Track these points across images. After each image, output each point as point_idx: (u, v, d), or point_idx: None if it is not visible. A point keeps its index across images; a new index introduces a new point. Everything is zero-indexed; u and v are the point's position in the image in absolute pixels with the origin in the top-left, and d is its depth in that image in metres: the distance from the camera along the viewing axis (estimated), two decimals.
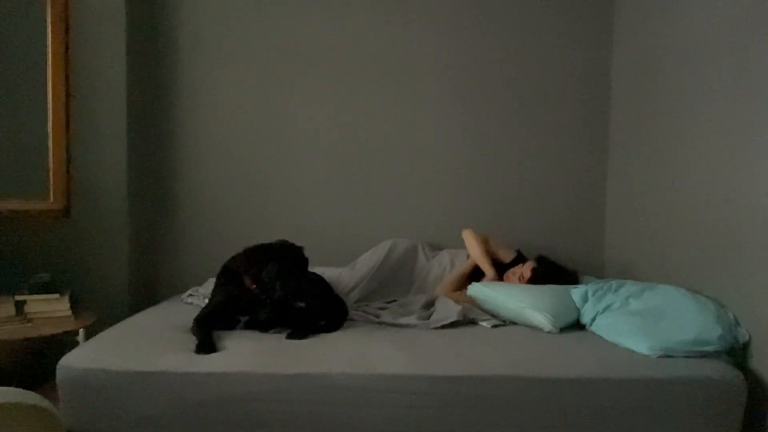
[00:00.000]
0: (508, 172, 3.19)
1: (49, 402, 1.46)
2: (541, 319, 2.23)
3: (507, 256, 2.86)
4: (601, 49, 3.15)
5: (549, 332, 2.23)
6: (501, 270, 2.79)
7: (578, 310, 2.33)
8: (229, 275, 2.31)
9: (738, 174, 2.10)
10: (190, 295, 2.70)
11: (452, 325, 2.30)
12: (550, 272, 2.65)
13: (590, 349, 2.06)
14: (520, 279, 2.67)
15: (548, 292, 2.38)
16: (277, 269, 2.17)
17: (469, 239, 2.84)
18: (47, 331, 2.27)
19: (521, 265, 2.76)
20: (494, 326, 2.32)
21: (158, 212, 3.14)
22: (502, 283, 2.66)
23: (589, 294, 2.34)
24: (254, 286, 2.23)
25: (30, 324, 2.33)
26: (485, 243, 2.84)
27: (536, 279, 2.61)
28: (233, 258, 2.35)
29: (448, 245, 3.05)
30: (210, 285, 2.78)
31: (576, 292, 2.37)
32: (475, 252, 2.80)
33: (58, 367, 1.80)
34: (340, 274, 2.79)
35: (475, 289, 2.53)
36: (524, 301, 2.31)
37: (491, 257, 2.82)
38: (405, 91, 3.16)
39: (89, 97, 2.82)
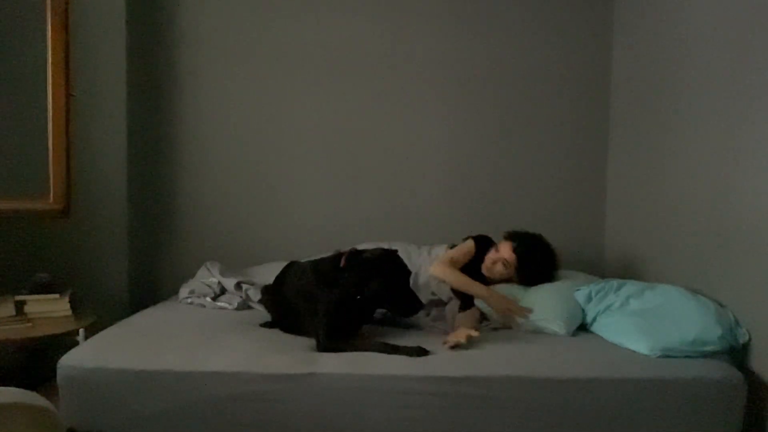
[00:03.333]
0: (507, 171, 3.19)
1: (49, 402, 1.46)
2: (556, 329, 2.22)
3: (470, 251, 2.53)
4: (601, 49, 3.15)
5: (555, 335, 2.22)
6: (476, 267, 2.52)
7: (583, 311, 2.33)
8: (324, 281, 2.17)
9: (738, 173, 2.10)
10: (190, 294, 2.69)
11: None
12: (532, 246, 2.45)
13: (590, 349, 2.06)
14: (505, 265, 2.43)
15: (555, 298, 2.34)
16: (382, 287, 2.08)
17: (443, 273, 2.40)
18: (47, 331, 2.27)
19: (494, 250, 2.48)
20: (494, 329, 2.31)
21: (158, 212, 3.14)
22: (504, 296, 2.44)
23: (593, 294, 2.34)
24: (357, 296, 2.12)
25: (30, 324, 2.33)
26: (454, 263, 2.46)
27: (523, 260, 2.41)
28: (322, 262, 2.27)
29: (447, 243, 3.03)
30: (201, 276, 2.79)
31: (580, 293, 2.36)
32: (458, 283, 2.38)
33: (58, 366, 1.80)
34: None
35: (484, 307, 2.44)
36: (536, 313, 2.27)
37: (462, 265, 2.49)
38: (405, 90, 3.16)
39: (89, 97, 2.82)
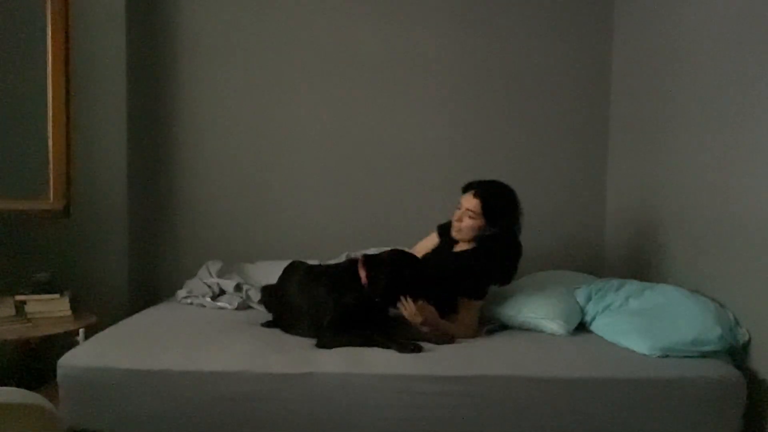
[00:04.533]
0: (507, 171, 3.14)
1: (49, 402, 1.46)
2: (555, 327, 2.22)
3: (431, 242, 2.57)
4: (601, 49, 3.15)
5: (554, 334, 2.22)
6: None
7: (582, 309, 2.33)
8: (339, 285, 2.19)
9: (738, 173, 2.10)
10: (188, 294, 2.69)
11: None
12: (491, 186, 2.36)
13: (590, 348, 2.06)
14: (472, 217, 2.30)
15: (554, 297, 2.34)
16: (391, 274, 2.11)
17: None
18: (47, 331, 2.27)
19: (456, 208, 2.36)
20: (488, 331, 2.28)
21: (158, 212, 3.14)
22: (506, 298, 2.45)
23: (593, 294, 2.34)
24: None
25: (30, 324, 2.33)
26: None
27: (487, 200, 2.30)
28: (336, 268, 2.30)
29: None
30: (202, 276, 2.79)
31: (580, 292, 2.37)
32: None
33: (58, 366, 1.80)
34: None
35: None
36: (536, 311, 2.28)
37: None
38: (404, 91, 3.15)
39: (89, 97, 2.82)
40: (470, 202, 2.32)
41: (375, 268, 2.14)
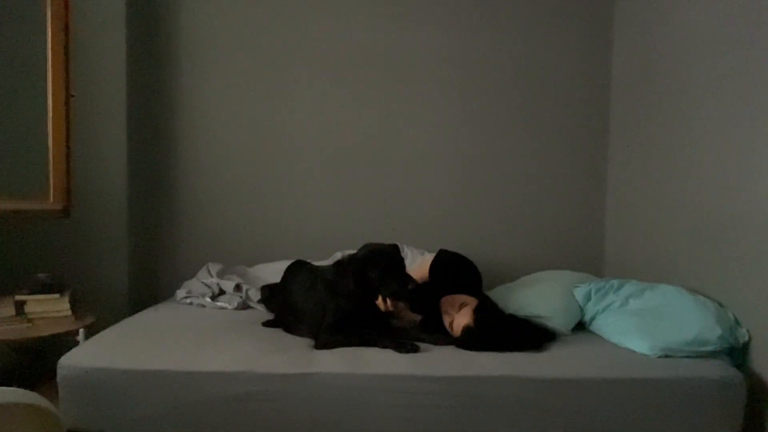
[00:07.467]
0: (507, 172, 3.19)
1: (49, 402, 1.46)
2: (552, 325, 2.23)
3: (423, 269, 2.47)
4: (601, 49, 3.15)
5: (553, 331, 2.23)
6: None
7: (582, 308, 2.33)
8: (333, 290, 2.18)
9: (738, 174, 2.10)
10: (187, 294, 2.69)
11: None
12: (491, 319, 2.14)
13: (590, 349, 2.06)
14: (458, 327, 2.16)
15: (553, 294, 2.36)
16: (382, 273, 2.07)
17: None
18: (47, 331, 2.26)
19: (458, 307, 2.19)
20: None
21: (158, 212, 3.14)
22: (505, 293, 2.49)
23: (592, 293, 2.34)
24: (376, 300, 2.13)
25: (30, 324, 2.32)
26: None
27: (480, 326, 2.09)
28: (328, 271, 2.27)
29: (445, 246, 3.02)
30: (201, 277, 2.79)
31: (579, 291, 2.37)
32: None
33: (58, 366, 1.80)
34: None
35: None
36: (536, 310, 2.28)
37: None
38: (404, 93, 3.15)
39: (89, 97, 2.82)
40: (470, 318, 2.12)
41: (351, 268, 2.11)
